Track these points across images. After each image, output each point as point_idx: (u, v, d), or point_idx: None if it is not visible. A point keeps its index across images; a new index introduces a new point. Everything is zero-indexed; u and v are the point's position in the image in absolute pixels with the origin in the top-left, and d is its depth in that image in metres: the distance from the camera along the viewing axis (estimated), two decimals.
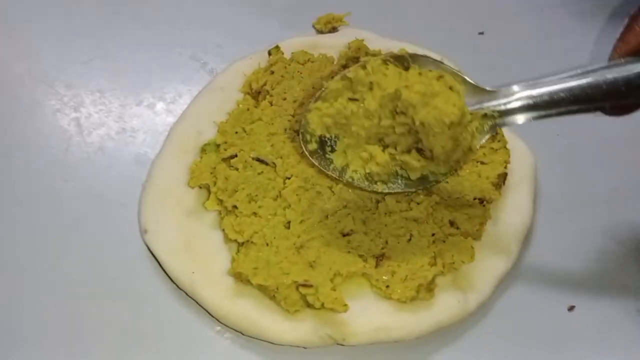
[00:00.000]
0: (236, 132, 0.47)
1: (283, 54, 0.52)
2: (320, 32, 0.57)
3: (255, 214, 0.44)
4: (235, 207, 0.44)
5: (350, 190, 0.44)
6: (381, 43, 0.54)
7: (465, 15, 0.60)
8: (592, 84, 0.35)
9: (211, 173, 0.46)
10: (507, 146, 0.48)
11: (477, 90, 0.39)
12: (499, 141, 0.48)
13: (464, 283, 0.44)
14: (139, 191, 0.47)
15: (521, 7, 0.60)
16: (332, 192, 0.44)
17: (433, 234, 0.43)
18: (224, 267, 0.43)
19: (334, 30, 0.57)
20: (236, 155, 0.46)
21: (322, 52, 0.53)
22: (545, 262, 0.47)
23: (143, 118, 0.51)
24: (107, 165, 0.49)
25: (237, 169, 0.45)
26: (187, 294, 0.43)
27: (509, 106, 0.38)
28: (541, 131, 0.51)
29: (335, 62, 0.52)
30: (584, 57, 0.57)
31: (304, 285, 0.41)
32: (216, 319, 0.42)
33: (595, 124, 0.52)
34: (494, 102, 0.38)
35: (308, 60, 0.51)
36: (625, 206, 0.49)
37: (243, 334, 0.42)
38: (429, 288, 0.42)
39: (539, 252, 0.47)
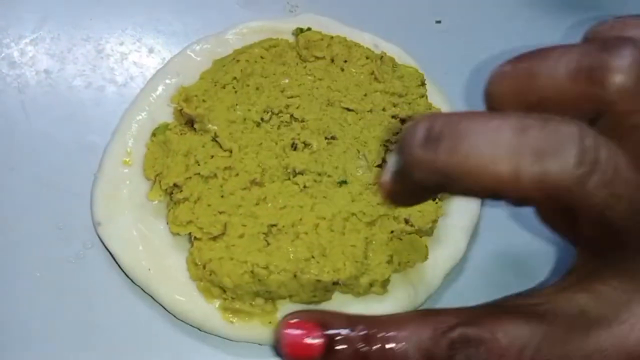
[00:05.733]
0: (196, 108, 0.46)
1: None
2: None
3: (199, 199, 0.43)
4: (176, 186, 0.44)
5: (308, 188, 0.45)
6: (340, 29, 0.53)
7: (422, 3, 0.59)
8: None
9: (156, 158, 0.46)
10: None
11: None
12: None
13: (414, 277, 0.46)
14: (91, 180, 0.46)
15: None
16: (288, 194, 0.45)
17: (392, 232, 0.45)
18: (181, 263, 0.43)
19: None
20: (192, 124, 0.46)
21: (284, 38, 0.52)
22: (489, 255, 0.49)
23: (93, 102, 0.49)
24: (56, 153, 0.47)
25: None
26: (143, 290, 0.43)
27: None
28: None
29: (292, 48, 0.51)
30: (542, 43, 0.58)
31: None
32: (173, 316, 0.42)
33: None
34: None
35: (272, 46, 0.50)
36: None
37: (200, 330, 0.42)
38: (383, 284, 0.44)
39: (484, 245, 0.49)
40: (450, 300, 0.47)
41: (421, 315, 0.33)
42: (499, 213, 0.50)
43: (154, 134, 0.47)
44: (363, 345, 0.32)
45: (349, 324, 0.33)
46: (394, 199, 0.30)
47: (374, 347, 0.31)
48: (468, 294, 0.48)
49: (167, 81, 0.49)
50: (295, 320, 0.34)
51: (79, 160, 0.46)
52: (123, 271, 0.43)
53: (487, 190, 0.25)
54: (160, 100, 0.48)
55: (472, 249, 0.49)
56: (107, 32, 0.52)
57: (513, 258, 0.49)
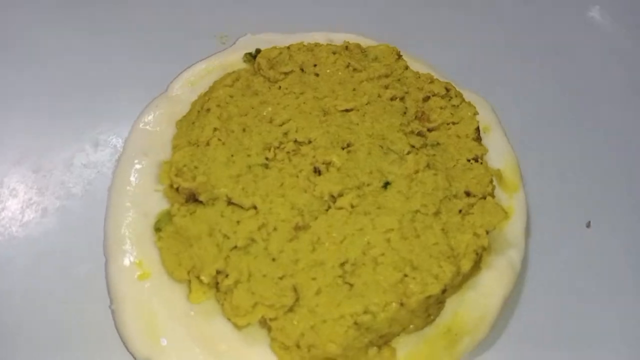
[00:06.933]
0: (193, 178, 0.38)
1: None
2: None
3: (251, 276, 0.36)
4: (219, 273, 0.36)
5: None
6: (288, 39, 0.48)
7: None
8: None
9: (177, 253, 0.37)
10: (467, 97, 0.46)
11: None
12: (455, 96, 0.46)
13: (499, 244, 0.41)
14: (109, 317, 0.36)
15: None
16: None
17: (460, 210, 0.40)
18: (266, 356, 0.35)
19: None
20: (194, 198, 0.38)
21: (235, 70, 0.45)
22: (543, 190, 0.46)
23: (59, 230, 0.39)
24: (53, 308, 0.37)
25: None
26: None
27: None
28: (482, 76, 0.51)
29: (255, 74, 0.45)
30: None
31: None
32: None
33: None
34: None
35: (235, 80, 0.43)
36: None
37: None
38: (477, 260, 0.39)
39: (532, 184, 0.46)
40: (538, 254, 0.43)
41: None
42: (530, 151, 0.48)
43: (158, 229, 0.38)
44: None
45: None
46: None
47: None
48: (540, 227, 0.44)
49: (137, 166, 0.41)
50: None
51: (81, 302, 0.37)
52: None
53: None
54: (140, 190, 0.40)
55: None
56: (35, 142, 0.42)
57: (571, 184, 0.47)
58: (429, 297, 0.36)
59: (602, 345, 0.41)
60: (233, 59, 0.47)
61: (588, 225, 0.45)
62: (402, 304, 0.35)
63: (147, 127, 0.43)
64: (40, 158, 0.42)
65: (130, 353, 0.35)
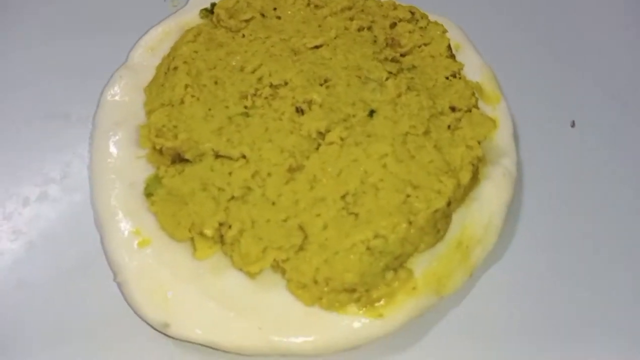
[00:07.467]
0: (175, 137, 0.37)
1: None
2: None
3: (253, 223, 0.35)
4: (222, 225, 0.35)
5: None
6: None
7: None
8: None
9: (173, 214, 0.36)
10: (431, 19, 0.45)
11: None
12: (421, 18, 0.45)
13: (491, 155, 0.41)
14: (116, 291, 0.35)
15: None
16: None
17: (449, 126, 0.39)
18: (283, 298, 0.34)
19: None
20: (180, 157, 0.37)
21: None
22: (523, 97, 0.46)
23: (44, 217, 0.38)
24: (61, 293, 0.35)
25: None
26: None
27: None
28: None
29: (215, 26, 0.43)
30: None
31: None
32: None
33: None
34: None
35: (196, 35, 0.42)
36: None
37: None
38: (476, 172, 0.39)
39: (511, 93, 0.46)
40: (530, 158, 0.43)
41: None
42: (505, 63, 0.47)
43: (149, 194, 0.37)
44: None
45: None
46: None
47: None
48: (530, 123, 0.44)
49: (115, 138, 0.39)
50: None
51: (84, 284, 0.35)
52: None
53: None
54: (122, 160, 0.38)
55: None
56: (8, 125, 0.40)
57: (550, 84, 0.47)
58: (436, 211, 0.35)
59: (606, 242, 0.41)
60: (189, 17, 0.45)
61: (572, 124, 0.45)
62: (410, 223, 0.35)
63: (116, 97, 0.41)
64: (10, 148, 0.40)
65: (146, 322, 0.34)
